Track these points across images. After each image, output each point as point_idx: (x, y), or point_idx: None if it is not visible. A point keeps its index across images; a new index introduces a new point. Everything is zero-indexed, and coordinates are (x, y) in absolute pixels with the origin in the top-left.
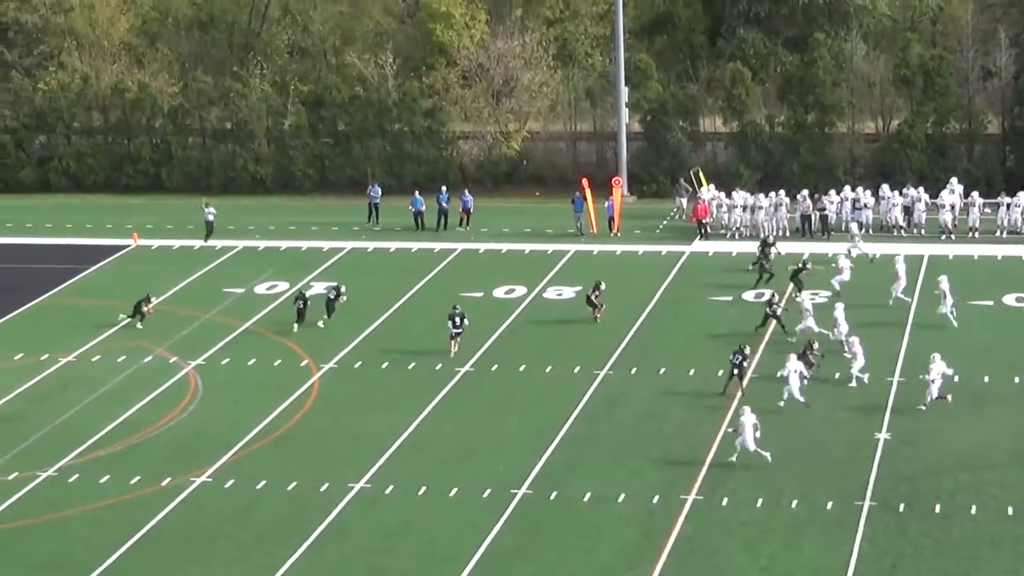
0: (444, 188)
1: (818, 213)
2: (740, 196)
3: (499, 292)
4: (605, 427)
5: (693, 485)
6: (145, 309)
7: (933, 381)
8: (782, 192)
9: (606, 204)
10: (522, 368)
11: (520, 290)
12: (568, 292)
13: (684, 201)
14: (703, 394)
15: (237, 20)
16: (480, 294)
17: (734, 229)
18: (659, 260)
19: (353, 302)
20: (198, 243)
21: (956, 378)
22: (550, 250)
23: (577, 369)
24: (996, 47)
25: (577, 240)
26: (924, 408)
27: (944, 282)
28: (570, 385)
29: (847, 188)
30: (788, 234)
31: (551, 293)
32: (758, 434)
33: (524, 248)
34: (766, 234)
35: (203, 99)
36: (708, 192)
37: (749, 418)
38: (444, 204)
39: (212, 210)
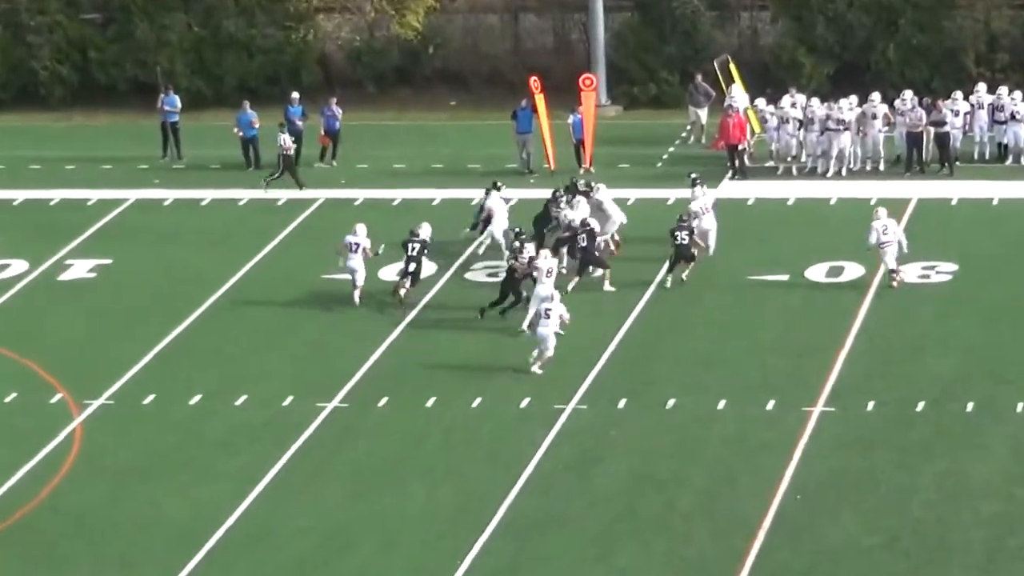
0: (295, 96)
1: (932, 130)
2: (799, 103)
3: (389, 273)
4: (576, 501)
5: None
6: None
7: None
8: (874, 96)
9: (570, 120)
10: (431, 402)
11: (426, 268)
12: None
13: (704, 113)
14: (742, 441)
15: None
16: (344, 276)
17: (789, 159)
18: (661, 214)
19: (133, 296)
20: None
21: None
22: (475, 199)
23: (527, 402)
24: None
25: (523, 182)
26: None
27: None
28: (515, 429)
29: (980, 87)
30: (882, 167)
31: (477, 274)
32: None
33: (432, 196)
34: (846, 163)
35: None
36: (744, 97)
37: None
38: (296, 124)
39: None
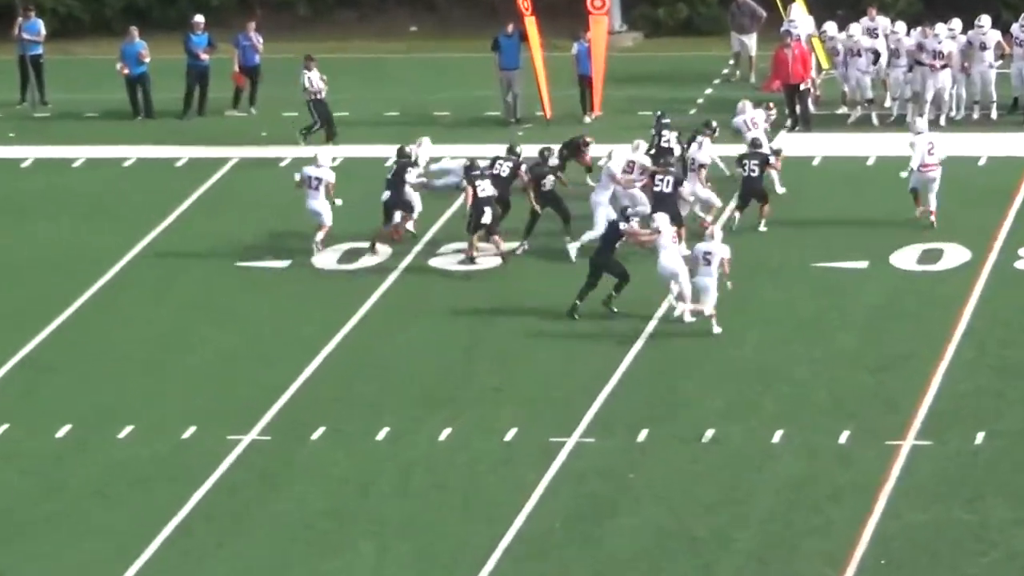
0: (198, 20)
1: None
2: (881, 29)
3: (328, 260)
4: (582, 567)
5: None
6: None
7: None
8: (983, 20)
9: (574, 51)
10: (383, 433)
11: (375, 254)
12: (486, 256)
13: (752, 42)
14: (805, 486)
15: None
16: (283, 264)
17: (865, 102)
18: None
19: None
20: None
21: None
22: (445, 156)
23: (513, 433)
24: None
25: (508, 135)
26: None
27: None
28: (498, 470)
29: None
30: (994, 114)
31: (444, 259)
32: None
33: (384, 154)
34: (946, 110)
35: None
36: (808, 21)
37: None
38: (200, 59)
39: None
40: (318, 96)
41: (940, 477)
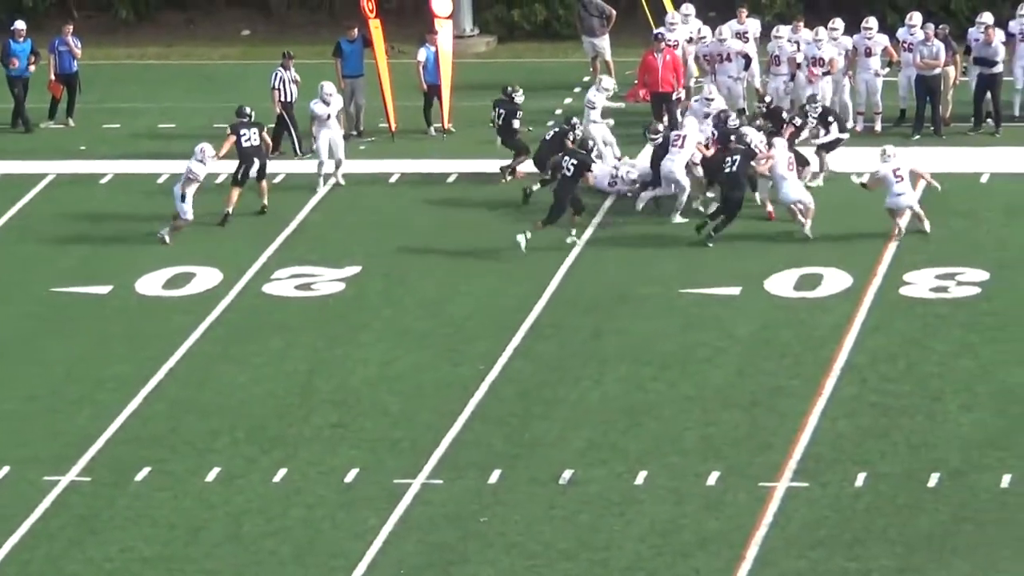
0: (18, 27)
1: (975, 72)
2: (752, 33)
3: (152, 285)
4: None
5: None
6: None
7: None
8: (871, 23)
9: (421, 57)
10: (213, 473)
11: (208, 277)
12: (333, 276)
13: (605, 44)
14: (670, 533)
15: None
16: (104, 289)
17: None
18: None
19: None
20: None
21: None
22: (280, 176)
23: (353, 475)
24: None
25: (351, 149)
26: None
27: None
28: (337, 515)
29: None
30: (878, 126)
31: (282, 285)
32: None
33: (216, 170)
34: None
35: None
36: (682, 22)
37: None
38: (21, 68)
39: None
40: (288, 100)
41: (818, 522)
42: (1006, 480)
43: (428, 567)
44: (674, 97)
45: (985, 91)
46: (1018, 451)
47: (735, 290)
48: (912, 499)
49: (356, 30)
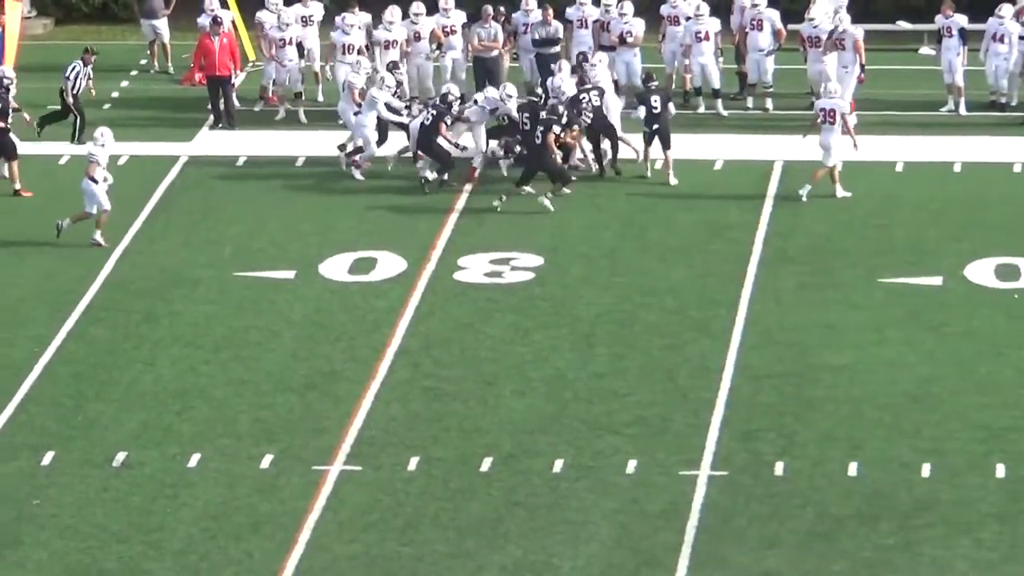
0: None
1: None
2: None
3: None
4: None
5: None
6: None
7: None
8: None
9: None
10: None
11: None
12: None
13: (163, 27)
14: (222, 516)
15: None
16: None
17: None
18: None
19: None
20: None
21: None
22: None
23: None
24: None
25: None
26: None
27: None
28: None
29: None
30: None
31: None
32: None
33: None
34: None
35: None
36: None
37: None
38: None
39: None
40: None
41: (370, 506)
42: (558, 465)
43: None
44: (234, 81)
45: None
46: (569, 436)
47: (290, 274)
48: (464, 483)
49: None
